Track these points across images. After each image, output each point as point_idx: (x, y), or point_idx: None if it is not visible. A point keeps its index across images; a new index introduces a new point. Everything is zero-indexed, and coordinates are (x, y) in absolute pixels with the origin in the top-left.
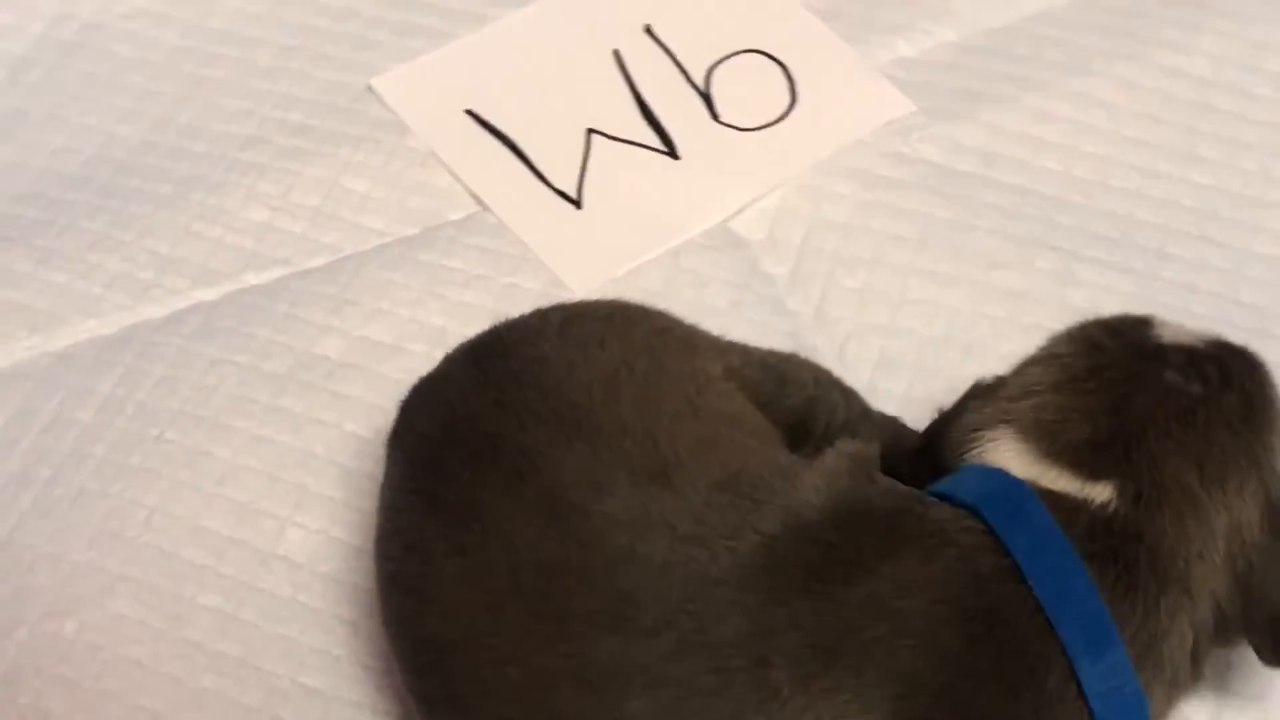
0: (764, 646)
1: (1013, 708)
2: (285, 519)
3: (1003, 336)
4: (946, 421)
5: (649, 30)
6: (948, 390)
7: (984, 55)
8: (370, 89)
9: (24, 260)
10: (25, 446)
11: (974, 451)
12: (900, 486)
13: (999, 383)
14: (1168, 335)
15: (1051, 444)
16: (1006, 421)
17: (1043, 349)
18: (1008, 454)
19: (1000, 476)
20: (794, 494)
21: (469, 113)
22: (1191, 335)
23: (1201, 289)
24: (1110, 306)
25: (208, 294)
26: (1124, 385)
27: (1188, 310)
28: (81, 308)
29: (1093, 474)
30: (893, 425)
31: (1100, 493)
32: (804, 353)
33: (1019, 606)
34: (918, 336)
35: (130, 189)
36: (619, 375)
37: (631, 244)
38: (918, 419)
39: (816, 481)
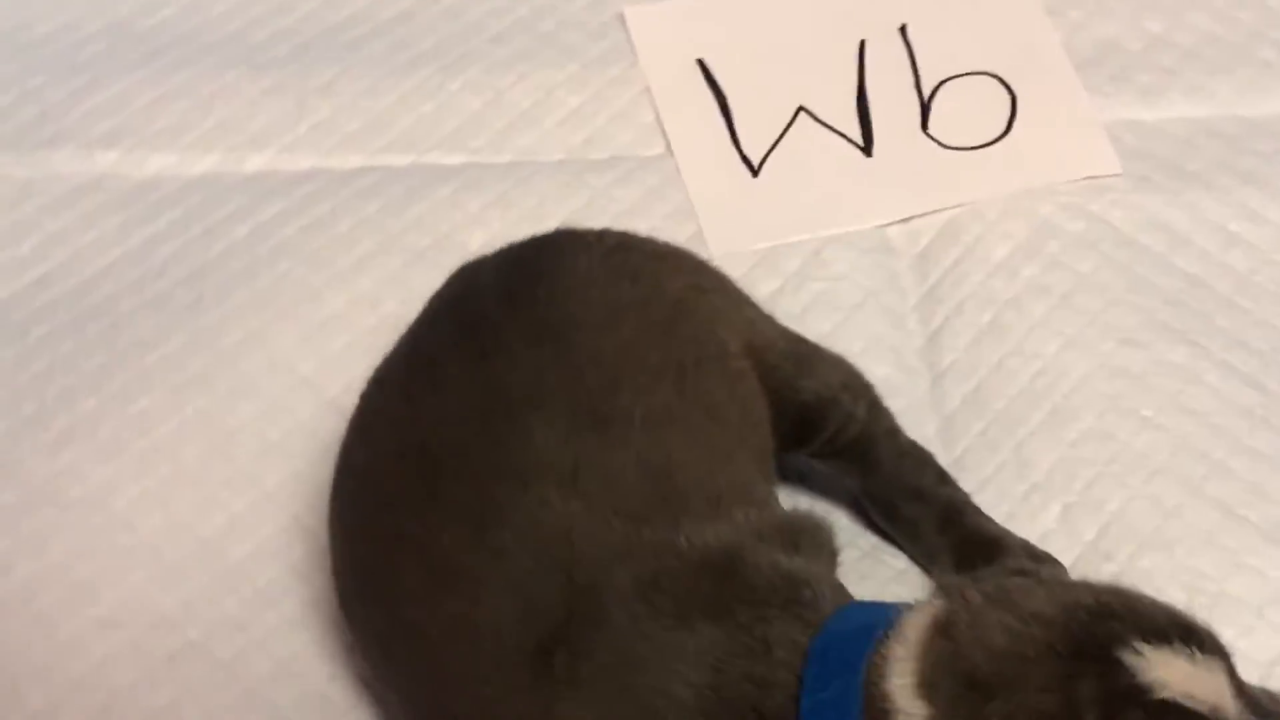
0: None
1: None
2: None
3: (1096, 412)
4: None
5: (902, 30)
6: (1014, 445)
7: (1222, 140)
8: (621, 17)
9: (254, 84)
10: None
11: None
12: (797, 574)
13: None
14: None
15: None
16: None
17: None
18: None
19: (862, 644)
20: (696, 524)
21: (699, 62)
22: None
23: None
24: (1218, 416)
25: (394, 159)
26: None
27: None
28: (282, 141)
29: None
30: (924, 459)
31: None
32: (902, 375)
33: None
34: (1015, 385)
35: (374, 48)
36: (629, 312)
37: (785, 223)
38: (977, 463)
39: (724, 529)
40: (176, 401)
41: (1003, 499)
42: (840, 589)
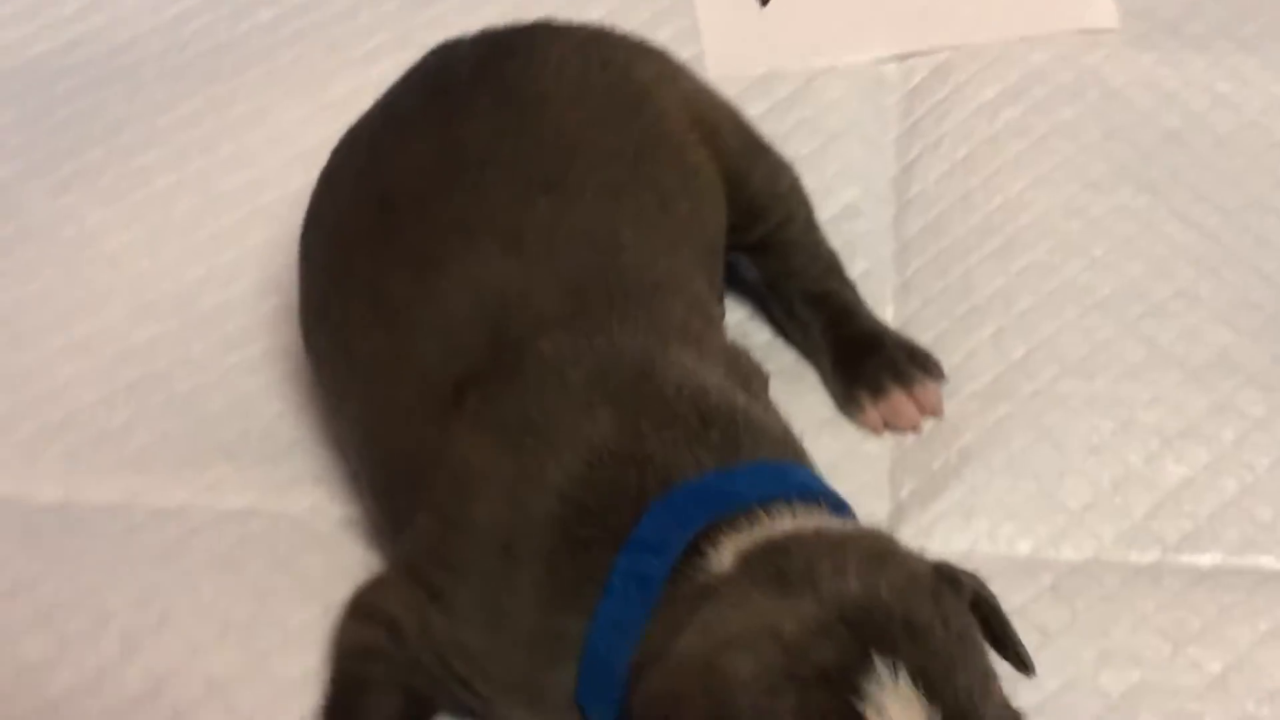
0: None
1: None
2: None
3: (1047, 247)
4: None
5: None
6: (962, 270)
7: (1226, 6)
8: None
9: None
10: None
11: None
12: (716, 410)
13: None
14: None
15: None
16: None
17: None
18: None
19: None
20: (632, 310)
21: None
22: None
23: None
24: (1168, 263)
25: None
26: None
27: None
28: None
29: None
30: (833, 268)
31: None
32: (870, 200)
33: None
34: (975, 216)
35: None
36: (595, 93)
37: (785, 50)
38: (924, 284)
39: (658, 335)
40: (178, 161)
41: (942, 317)
42: (760, 429)
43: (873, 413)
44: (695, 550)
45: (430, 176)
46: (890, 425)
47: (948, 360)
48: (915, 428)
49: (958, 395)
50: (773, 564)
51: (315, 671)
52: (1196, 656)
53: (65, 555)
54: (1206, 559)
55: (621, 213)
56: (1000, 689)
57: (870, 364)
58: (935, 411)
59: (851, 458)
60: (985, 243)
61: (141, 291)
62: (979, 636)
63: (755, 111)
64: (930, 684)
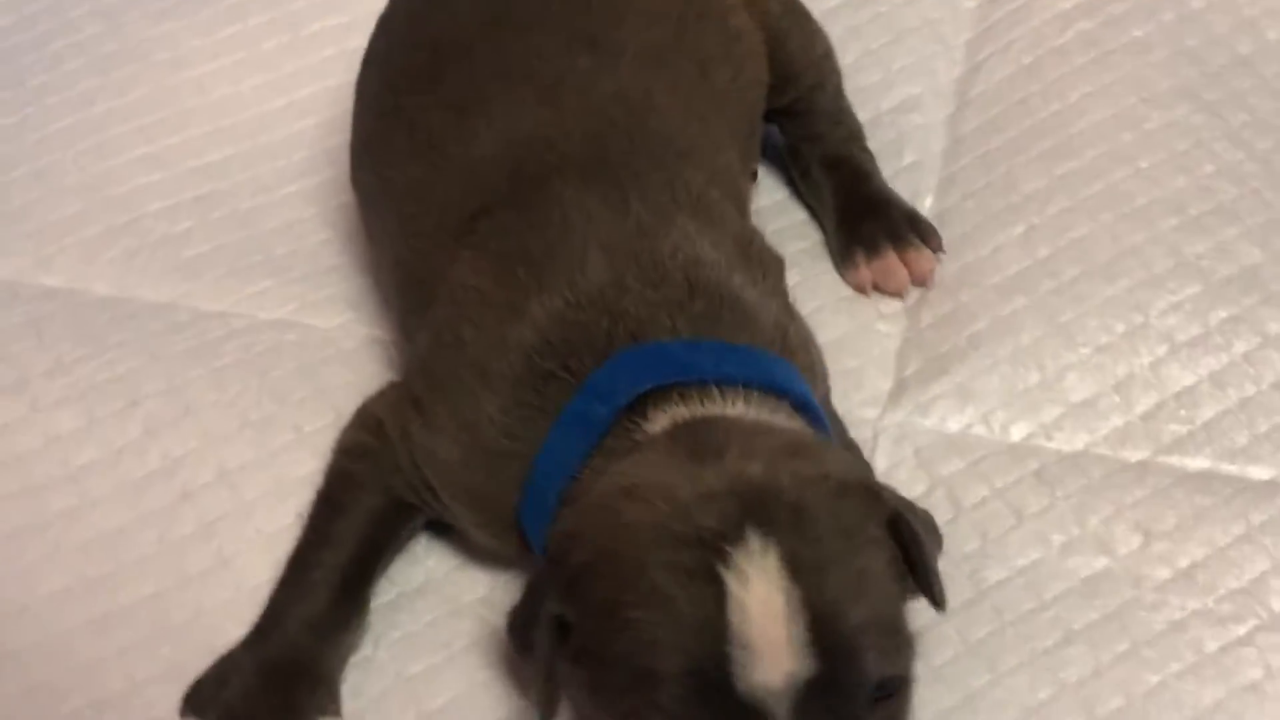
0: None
1: None
2: None
3: (1094, 154)
4: None
5: None
6: (1006, 169)
7: None
8: None
9: None
10: None
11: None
12: (716, 286)
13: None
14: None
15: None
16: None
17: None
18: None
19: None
20: (650, 175)
21: None
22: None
23: None
24: (1212, 180)
25: None
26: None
27: None
28: None
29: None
30: (854, 136)
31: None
32: (930, 96)
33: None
34: (1029, 120)
35: None
36: None
37: None
38: (968, 180)
39: (646, 197)
40: (273, 2)
41: (978, 212)
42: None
43: (865, 271)
44: (640, 409)
45: (480, 26)
46: (880, 286)
47: (975, 253)
48: (902, 292)
49: (978, 286)
50: (696, 436)
51: (319, 472)
52: (1166, 551)
53: (107, 344)
54: (1195, 463)
55: (659, 77)
56: (892, 606)
57: (871, 225)
58: (925, 280)
59: (863, 334)
60: (1034, 145)
61: (221, 116)
62: (880, 550)
63: (829, 4)
64: (799, 569)
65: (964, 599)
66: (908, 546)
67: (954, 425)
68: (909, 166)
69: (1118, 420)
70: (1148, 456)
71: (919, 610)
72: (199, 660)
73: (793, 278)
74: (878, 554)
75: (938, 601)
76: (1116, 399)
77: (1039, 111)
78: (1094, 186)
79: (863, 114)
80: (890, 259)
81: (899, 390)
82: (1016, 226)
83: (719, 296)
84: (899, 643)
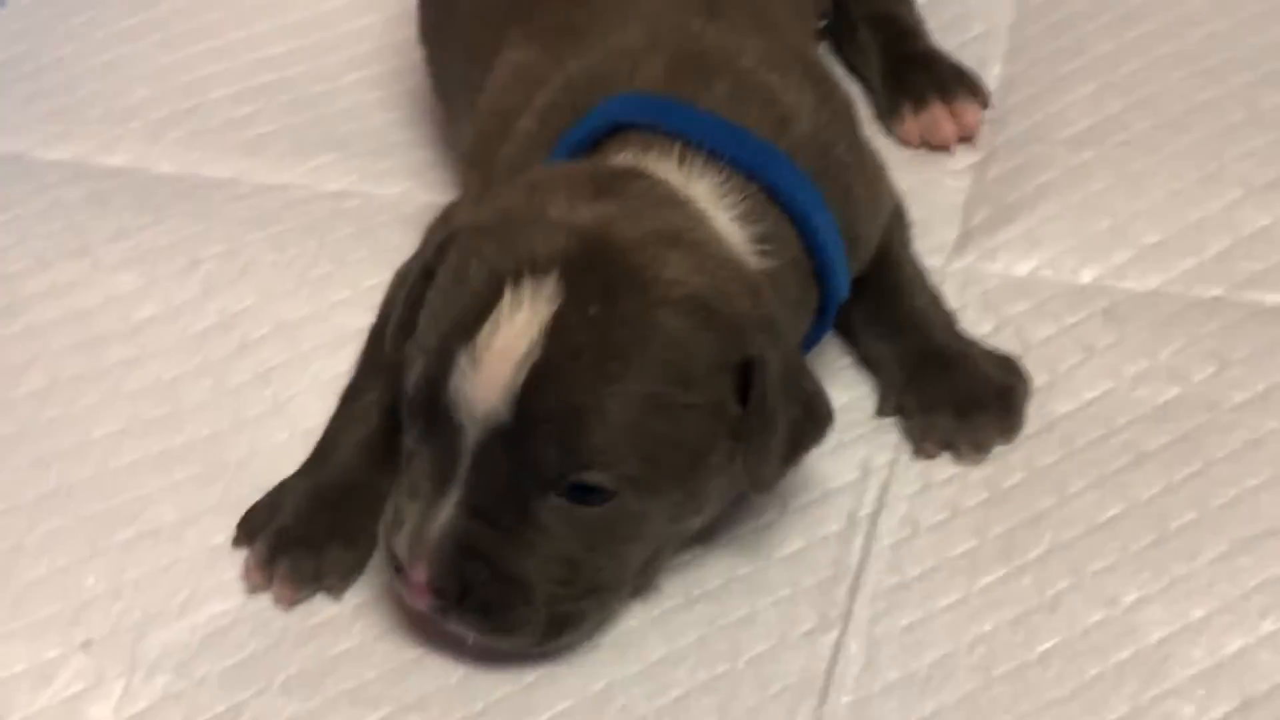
0: None
1: None
2: None
3: (1169, 19)
4: None
5: None
6: (1076, 35)
7: None
8: None
9: None
10: None
11: None
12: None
13: None
14: None
15: None
16: None
17: None
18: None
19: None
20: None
21: None
22: None
23: None
24: None
25: None
26: None
27: None
28: None
29: None
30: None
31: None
32: None
33: None
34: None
35: None
36: None
37: None
38: (1036, 44)
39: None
40: None
41: (1046, 75)
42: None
43: (911, 124)
44: (613, 144)
45: None
46: (926, 139)
47: (1043, 111)
48: (949, 145)
49: (1046, 141)
50: (616, 177)
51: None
52: (1241, 377)
53: (169, 213)
54: (1272, 297)
55: None
56: (658, 434)
57: (918, 79)
58: (972, 132)
59: (928, 188)
60: (1102, 13)
61: (286, 12)
62: (681, 382)
63: None
64: (563, 334)
65: (1032, 430)
66: (748, 403)
67: (1021, 269)
68: (977, 37)
69: (1190, 261)
70: (1222, 293)
71: None
72: (253, 496)
73: None
74: (673, 381)
75: (751, 476)
76: (1189, 240)
77: None
78: (1166, 47)
79: None
80: (937, 110)
81: (965, 239)
82: (1086, 85)
83: (750, 86)
84: (631, 465)
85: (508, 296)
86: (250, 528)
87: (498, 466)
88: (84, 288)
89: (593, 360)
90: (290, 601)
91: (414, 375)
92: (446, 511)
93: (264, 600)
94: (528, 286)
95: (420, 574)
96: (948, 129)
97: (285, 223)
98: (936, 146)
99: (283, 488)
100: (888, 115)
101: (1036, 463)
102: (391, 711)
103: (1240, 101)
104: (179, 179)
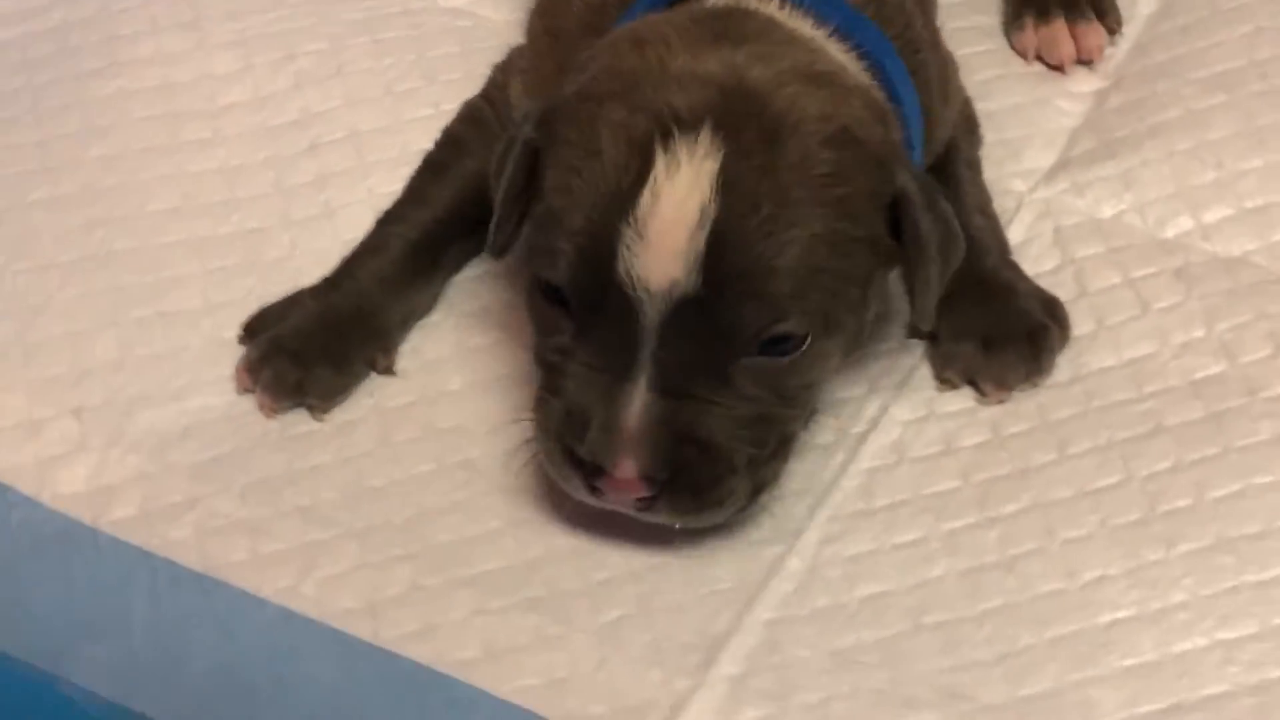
0: None
1: None
2: None
3: None
4: None
5: None
6: None
7: None
8: None
9: None
10: None
11: None
12: None
13: None
14: None
15: None
16: None
17: None
18: None
19: None
20: None
21: None
22: None
23: None
24: None
25: None
26: None
27: None
28: None
29: None
30: None
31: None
32: None
33: None
34: None
35: None
36: None
37: None
38: None
39: None
40: None
41: (1207, 6)
42: None
43: (1030, 35)
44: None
45: None
46: (1043, 54)
47: (1189, 45)
48: (1066, 66)
49: (1179, 77)
50: (730, 21)
51: None
52: None
53: (286, 3)
54: None
55: None
56: (831, 274)
57: None
58: (1093, 56)
59: (1039, 107)
60: None
61: None
62: (846, 214)
63: None
64: (735, 187)
65: (1058, 380)
66: (905, 237)
67: (1107, 210)
68: None
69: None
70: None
71: None
72: (279, 295)
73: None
74: (841, 217)
75: (918, 308)
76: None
77: None
78: None
79: None
80: (1058, 27)
81: (1059, 167)
82: (1244, 25)
83: None
84: (817, 307)
85: (661, 160)
86: (255, 327)
87: (687, 338)
88: (183, 62)
89: (771, 209)
90: (270, 409)
91: (562, 264)
92: (639, 396)
93: (252, 403)
94: (681, 146)
95: (628, 468)
96: (1066, 48)
97: (392, 30)
98: (1053, 66)
99: (295, 299)
100: (1011, 23)
101: (1050, 414)
102: (337, 535)
103: None
104: None
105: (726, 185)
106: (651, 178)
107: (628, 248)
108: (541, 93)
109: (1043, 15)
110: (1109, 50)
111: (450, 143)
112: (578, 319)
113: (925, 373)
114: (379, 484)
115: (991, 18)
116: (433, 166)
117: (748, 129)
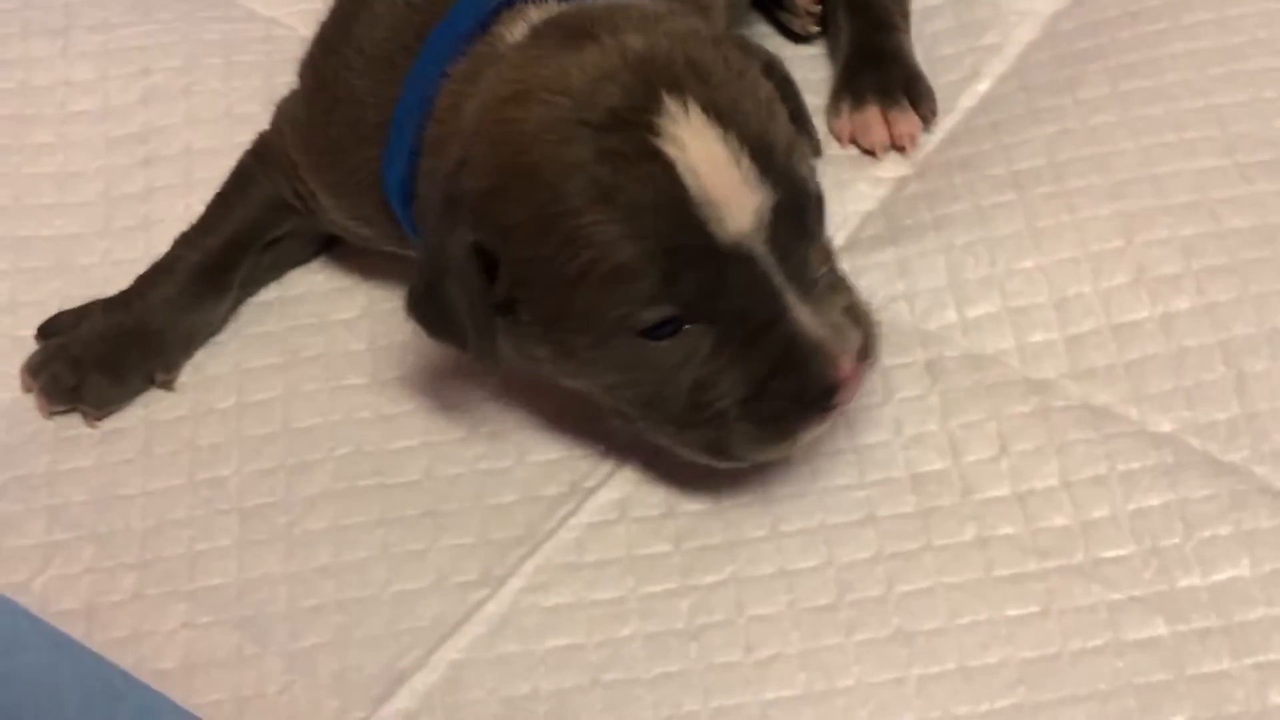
0: None
1: None
2: None
3: None
4: None
5: None
6: None
7: None
8: None
9: None
10: None
11: None
12: None
13: None
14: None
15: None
16: None
17: None
18: None
19: None
20: None
21: None
22: None
23: None
24: None
25: None
26: None
27: None
28: None
29: None
30: None
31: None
32: None
33: None
34: None
35: None
36: None
37: None
38: None
39: None
40: None
41: (1026, 103)
42: None
43: (845, 122)
44: (498, 26)
45: None
46: (856, 140)
47: (998, 139)
48: (878, 152)
49: (980, 170)
50: (560, 28)
51: None
52: (1015, 468)
53: (154, 19)
54: (1101, 397)
55: None
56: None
57: (867, 76)
58: (905, 144)
59: (844, 189)
60: (1119, 55)
61: None
62: (765, 82)
63: None
64: (720, 114)
65: (789, 460)
66: (781, 88)
67: (880, 296)
68: (985, 47)
69: (1039, 336)
70: (1051, 378)
71: None
72: (83, 300)
73: None
74: (767, 88)
75: (814, 141)
76: (1049, 317)
77: (1143, 24)
78: (1155, 108)
79: None
80: (871, 114)
81: (845, 249)
82: (1051, 126)
83: None
84: (809, 160)
85: (669, 147)
86: (49, 329)
87: (787, 241)
88: (44, 67)
89: (754, 112)
90: (44, 410)
91: (656, 290)
92: (802, 312)
93: (31, 403)
94: (667, 125)
95: (848, 364)
96: (877, 134)
97: (248, 54)
98: (866, 150)
99: (89, 308)
100: (829, 106)
101: (772, 490)
102: (77, 537)
103: (1188, 185)
104: None
105: (718, 118)
106: (677, 163)
107: (713, 223)
108: (329, 91)
109: (858, 102)
110: (923, 138)
111: (240, 173)
112: (712, 318)
113: None
114: (129, 493)
115: (822, 99)
116: (223, 195)
117: (680, 74)
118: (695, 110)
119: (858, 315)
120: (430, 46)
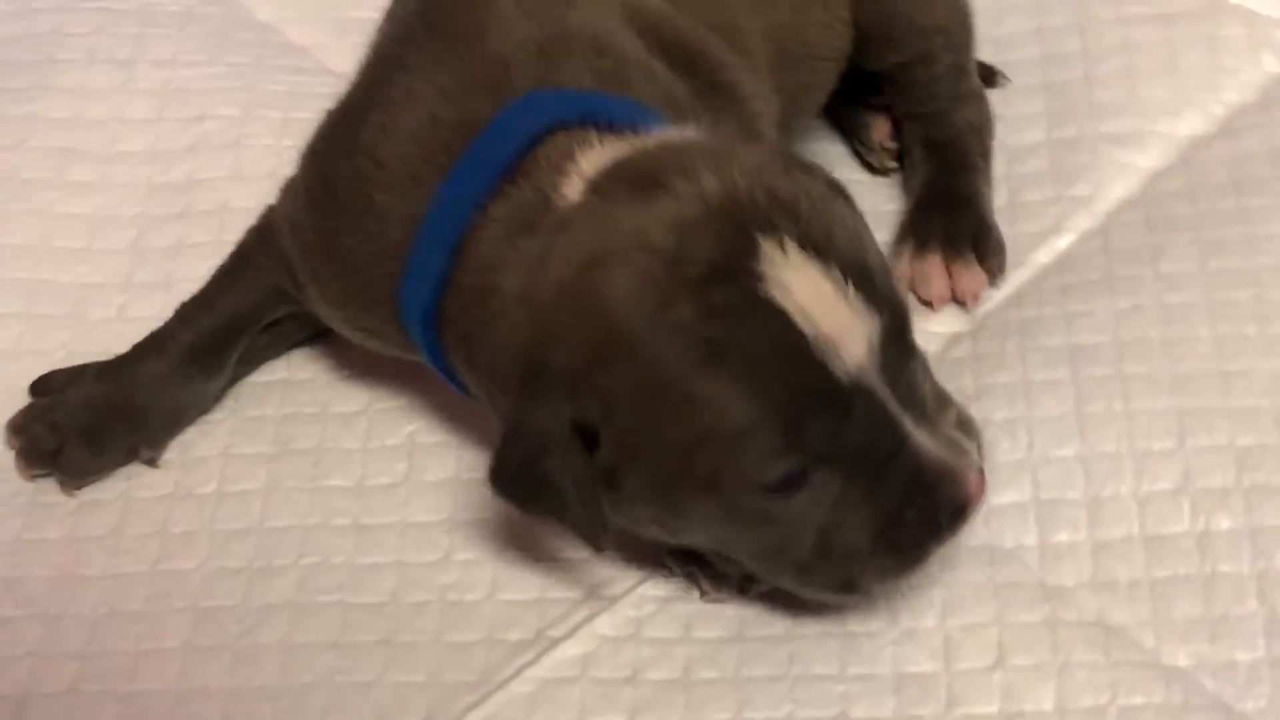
0: None
1: None
2: None
3: None
4: None
5: None
6: None
7: None
8: None
9: None
10: None
11: None
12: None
13: None
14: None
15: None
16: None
17: None
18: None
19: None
20: None
21: None
22: None
23: None
24: None
25: None
26: None
27: None
28: None
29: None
30: (973, 134)
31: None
32: None
33: None
34: None
35: None
36: None
37: None
38: None
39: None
40: None
41: (1103, 268)
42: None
43: (905, 267)
44: (535, 172)
45: None
46: (915, 288)
47: (1061, 308)
48: (936, 304)
49: (1037, 340)
50: (620, 180)
51: None
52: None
53: (222, 61)
54: (1115, 616)
55: None
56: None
57: (935, 221)
58: (967, 300)
59: None
60: (1217, 230)
61: None
62: (843, 205)
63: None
64: (817, 248)
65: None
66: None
67: None
68: (1074, 197)
69: (1064, 536)
70: (1069, 585)
71: None
72: (89, 357)
73: None
74: (848, 211)
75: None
76: (1081, 514)
77: (1247, 196)
78: (1241, 293)
79: (1069, 126)
80: (933, 263)
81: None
82: (1123, 299)
83: (630, 67)
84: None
85: (776, 293)
86: (41, 388)
87: (897, 370)
88: (100, 99)
89: (846, 239)
90: (23, 473)
91: (783, 442)
92: (923, 438)
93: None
94: (768, 269)
95: (975, 479)
96: (937, 286)
97: (308, 111)
98: (923, 300)
99: (81, 372)
100: (893, 246)
101: (744, 671)
102: (26, 616)
103: (1258, 388)
104: (271, 29)
105: (815, 251)
106: (789, 308)
107: (834, 363)
108: (337, 196)
109: (922, 247)
110: (987, 292)
111: (241, 253)
112: (836, 460)
113: (645, 590)
114: (90, 573)
115: (889, 234)
116: (225, 273)
117: (766, 211)
118: (793, 249)
119: (967, 426)
120: (462, 173)
